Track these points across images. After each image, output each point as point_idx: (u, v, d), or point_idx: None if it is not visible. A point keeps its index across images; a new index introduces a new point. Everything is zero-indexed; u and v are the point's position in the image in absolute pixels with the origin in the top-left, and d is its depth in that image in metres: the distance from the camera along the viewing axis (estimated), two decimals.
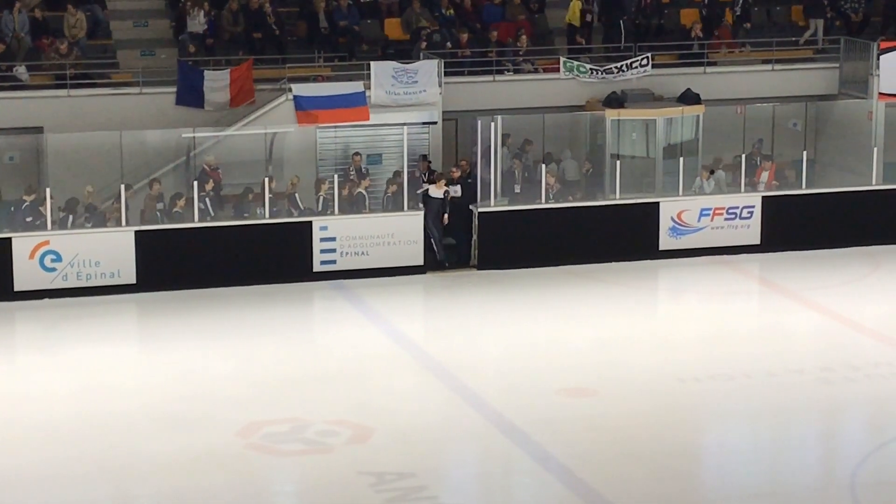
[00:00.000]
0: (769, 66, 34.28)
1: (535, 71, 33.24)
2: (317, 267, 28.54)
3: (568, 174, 31.66)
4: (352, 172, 30.01)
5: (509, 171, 30.55)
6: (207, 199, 28.49)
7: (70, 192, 28.60)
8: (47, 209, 27.36)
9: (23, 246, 27.17)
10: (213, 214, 28.44)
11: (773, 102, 32.92)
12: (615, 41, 33.95)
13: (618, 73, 32.61)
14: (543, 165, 29.94)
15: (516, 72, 33.05)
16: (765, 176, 31.04)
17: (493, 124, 29.63)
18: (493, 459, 19.16)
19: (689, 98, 32.22)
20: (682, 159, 30.63)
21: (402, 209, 29.21)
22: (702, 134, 32.10)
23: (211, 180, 28.82)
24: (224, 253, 28.05)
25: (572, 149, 32.37)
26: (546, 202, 29.83)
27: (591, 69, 32.62)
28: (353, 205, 29.00)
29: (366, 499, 17.02)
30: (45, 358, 23.96)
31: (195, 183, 28.44)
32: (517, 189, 30.48)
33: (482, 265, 29.25)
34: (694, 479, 18.76)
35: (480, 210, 29.34)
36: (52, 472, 18.01)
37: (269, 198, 28.39)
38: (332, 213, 28.77)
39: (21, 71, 30.62)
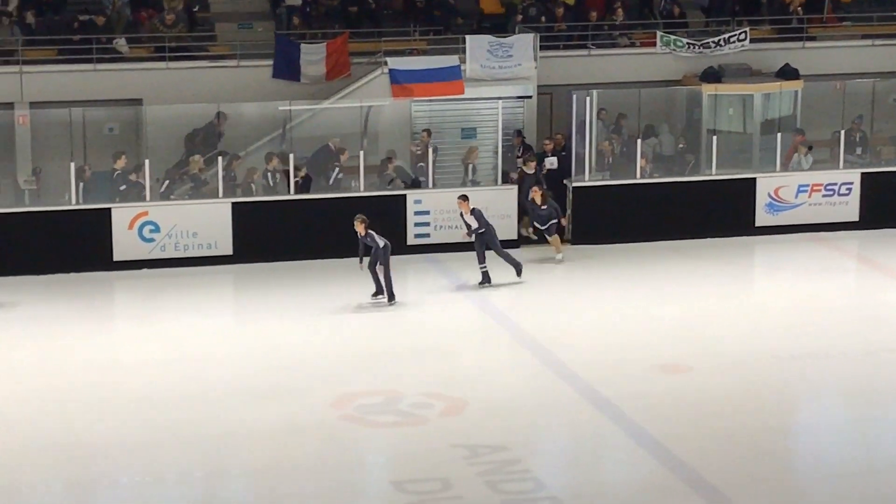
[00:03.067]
0: (869, 42, 33.81)
1: (632, 45, 33.04)
2: (411, 240, 28.61)
3: (664, 149, 31.47)
4: (419, 150, 30.03)
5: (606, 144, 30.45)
6: (339, 171, 28.89)
7: (167, 163, 28.95)
8: (146, 180, 27.66)
9: (122, 216, 27.49)
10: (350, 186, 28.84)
11: (873, 78, 32.47)
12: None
13: (715, 47, 32.32)
14: (640, 140, 29.78)
15: (612, 46, 32.86)
16: (796, 156, 30.64)
17: (588, 98, 29.50)
18: (585, 434, 19.11)
19: (787, 73, 31.87)
20: (779, 135, 30.32)
21: (495, 183, 29.26)
22: (800, 109, 31.76)
23: (341, 154, 29.20)
24: (319, 225, 28.18)
25: (668, 123, 32.16)
26: (641, 177, 29.68)
27: (688, 43, 32.35)
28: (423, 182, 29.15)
29: (459, 471, 17.05)
30: (142, 327, 24.22)
31: (290, 156, 28.55)
32: (613, 163, 30.35)
33: (576, 240, 29.17)
34: (789, 457, 18.59)
35: (575, 185, 29.24)
36: (146, 441, 18.20)
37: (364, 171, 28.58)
38: (427, 187, 28.87)
39: (121, 43, 30.90)
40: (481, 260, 26.11)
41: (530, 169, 28.78)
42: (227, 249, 27.68)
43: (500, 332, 23.75)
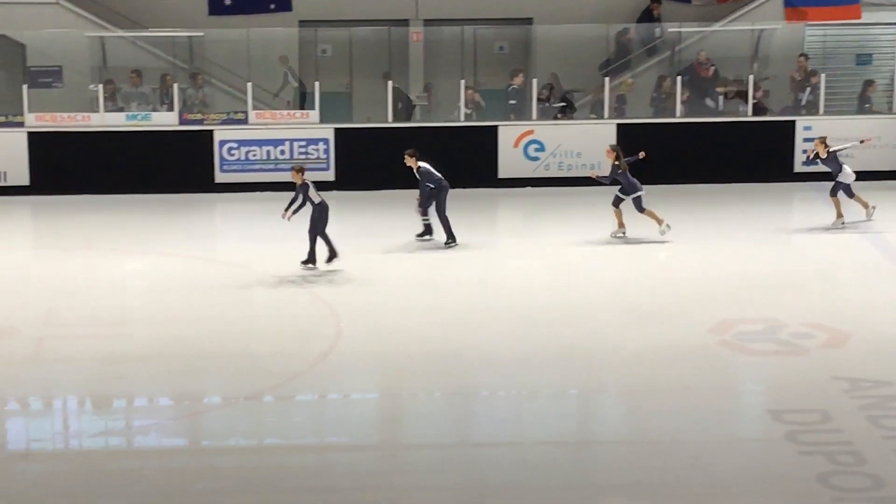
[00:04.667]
0: None
1: None
2: (797, 167, 27.96)
3: None
4: (798, 76, 29.17)
5: None
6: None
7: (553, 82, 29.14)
8: (532, 98, 27.91)
9: (508, 134, 27.83)
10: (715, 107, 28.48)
11: None
12: None
13: None
14: None
15: None
16: None
17: None
18: None
19: None
20: None
21: (890, 112, 28.27)
22: None
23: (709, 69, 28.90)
24: (703, 148, 27.88)
25: None
26: None
27: None
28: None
29: (839, 403, 16.59)
30: (524, 244, 24.50)
31: (679, 78, 28.34)
32: None
33: None
34: None
35: None
36: (523, 357, 18.40)
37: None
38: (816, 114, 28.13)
39: None
40: (423, 212, 24.29)
41: None
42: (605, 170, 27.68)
43: (890, 266, 22.95)
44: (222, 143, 28.26)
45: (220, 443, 15.59)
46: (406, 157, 23.88)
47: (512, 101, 28.32)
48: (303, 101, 29.46)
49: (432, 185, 23.79)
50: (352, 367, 17.99)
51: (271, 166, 28.16)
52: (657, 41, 29.95)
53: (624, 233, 24.28)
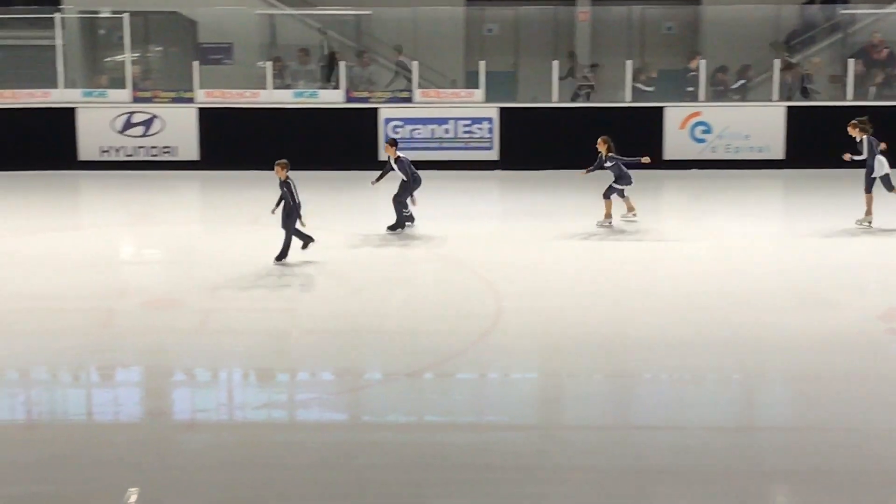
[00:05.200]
0: None
1: None
2: None
3: None
4: None
5: None
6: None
7: (723, 63, 28.78)
8: (701, 79, 27.60)
9: (674, 116, 27.56)
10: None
11: None
12: None
13: None
14: None
15: None
16: None
17: None
18: None
19: None
20: None
21: None
22: None
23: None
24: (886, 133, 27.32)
25: None
26: None
27: None
28: None
29: None
30: (689, 227, 24.26)
31: (850, 61, 27.81)
32: None
33: None
34: None
35: None
36: (686, 341, 18.27)
37: None
38: None
39: None
40: (406, 205, 23.96)
41: None
42: (779, 154, 27.29)
43: None
44: (387, 120, 28.44)
45: (380, 418, 15.69)
46: (385, 146, 23.77)
47: (690, 89, 28.03)
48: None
49: (405, 178, 23.59)
50: (511, 346, 17.98)
51: (436, 145, 28.25)
52: (838, 19, 29.40)
53: (610, 223, 24.05)
